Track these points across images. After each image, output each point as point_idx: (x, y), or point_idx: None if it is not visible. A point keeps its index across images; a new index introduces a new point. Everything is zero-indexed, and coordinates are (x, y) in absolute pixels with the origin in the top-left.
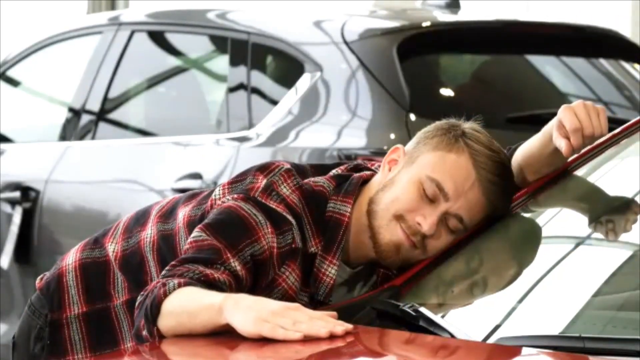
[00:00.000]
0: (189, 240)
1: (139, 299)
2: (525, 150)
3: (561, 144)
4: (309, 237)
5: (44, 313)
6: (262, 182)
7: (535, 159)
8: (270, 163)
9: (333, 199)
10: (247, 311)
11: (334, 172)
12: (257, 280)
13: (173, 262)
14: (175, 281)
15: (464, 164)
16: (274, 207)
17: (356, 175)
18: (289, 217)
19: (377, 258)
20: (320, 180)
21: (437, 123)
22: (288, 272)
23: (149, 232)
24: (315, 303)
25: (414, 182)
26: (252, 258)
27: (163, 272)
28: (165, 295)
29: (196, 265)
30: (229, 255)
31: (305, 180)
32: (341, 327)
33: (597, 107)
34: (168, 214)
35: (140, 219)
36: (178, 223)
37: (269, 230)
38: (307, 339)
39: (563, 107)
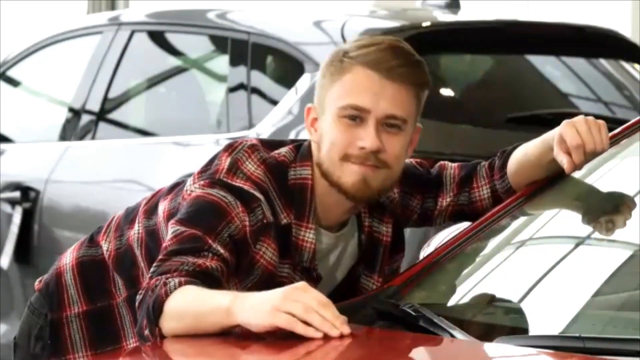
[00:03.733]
0: (168, 237)
1: (138, 297)
2: (523, 156)
3: (563, 160)
4: (280, 210)
5: (43, 313)
6: (225, 162)
7: (532, 166)
8: (235, 141)
9: (292, 166)
10: (257, 306)
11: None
12: (240, 260)
13: (160, 257)
14: (176, 280)
15: (362, 74)
16: (240, 185)
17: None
18: (257, 194)
19: (355, 205)
20: (283, 150)
21: (321, 64)
22: (264, 247)
23: (136, 229)
24: (301, 270)
25: (335, 120)
26: (231, 239)
27: (152, 268)
28: (167, 295)
29: (186, 257)
30: (209, 240)
31: (271, 154)
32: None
33: (599, 122)
34: (152, 209)
35: (129, 215)
36: (159, 218)
37: (240, 209)
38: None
39: (564, 122)
